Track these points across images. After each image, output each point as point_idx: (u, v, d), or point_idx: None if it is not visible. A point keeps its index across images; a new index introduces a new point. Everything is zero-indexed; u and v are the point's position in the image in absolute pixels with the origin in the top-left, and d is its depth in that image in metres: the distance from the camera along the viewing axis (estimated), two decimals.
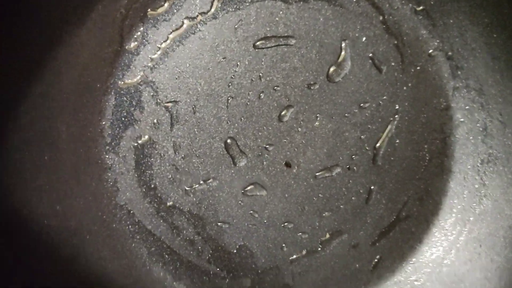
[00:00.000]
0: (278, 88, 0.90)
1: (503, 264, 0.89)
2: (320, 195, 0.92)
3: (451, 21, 0.94)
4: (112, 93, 0.89)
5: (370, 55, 0.92)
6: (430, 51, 0.95)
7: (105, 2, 0.86)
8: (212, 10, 0.90)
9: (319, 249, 0.93)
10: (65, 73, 0.84)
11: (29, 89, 0.81)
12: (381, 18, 0.92)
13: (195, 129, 0.90)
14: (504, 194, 0.93)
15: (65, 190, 0.84)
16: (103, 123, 0.88)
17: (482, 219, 0.93)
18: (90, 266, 0.84)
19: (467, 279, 0.91)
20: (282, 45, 0.90)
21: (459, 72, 0.96)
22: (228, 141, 0.90)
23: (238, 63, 0.89)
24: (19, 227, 0.79)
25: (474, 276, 0.91)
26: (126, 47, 0.89)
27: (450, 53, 0.95)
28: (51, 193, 0.83)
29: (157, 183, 0.89)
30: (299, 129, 0.91)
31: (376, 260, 0.95)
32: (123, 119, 0.89)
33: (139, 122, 0.89)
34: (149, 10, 0.89)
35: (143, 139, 0.89)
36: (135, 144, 0.89)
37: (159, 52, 0.89)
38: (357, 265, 0.94)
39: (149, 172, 0.89)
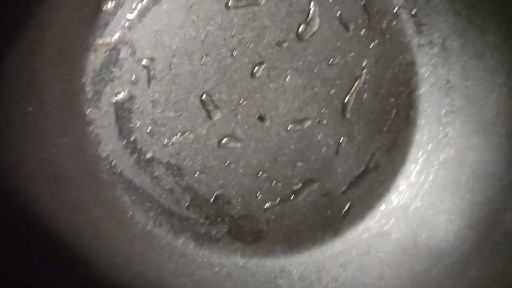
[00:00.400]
0: (250, 46, 0.95)
1: (465, 207, 0.94)
2: (292, 146, 0.97)
3: None
4: (92, 51, 0.93)
5: (338, 14, 0.96)
6: (395, 9, 0.99)
7: None
8: None
9: (292, 197, 0.98)
10: (47, 29, 0.87)
11: (15, 43, 0.85)
12: None
13: (172, 85, 0.94)
14: (466, 142, 0.97)
15: (50, 141, 0.88)
16: (84, 79, 0.93)
17: (446, 167, 0.97)
18: (75, 210, 0.88)
19: (431, 221, 0.95)
20: (252, 4, 0.94)
21: (422, 29, 0.99)
22: (203, 96, 0.95)
23: (211, 22, 0.94)
24: (5, 172, 0.84)
25: (438, 219, 0.95)
26: (104, 8, 0.93)
27: (414, 10, 0.99)
28: (36, 144, 0.87)
29: (136, 136, 0.93)
30: (271, 84, 0.96)
31: (346, 207, 0.98)
32: (102, 75, 0.93)
33: (118, 79, 0.93)
34: None
35: (122, 95, 0.94)
36: (115, 99, 0.93)
37: (135, 12, 0.93)
38: (329, 212, 0.99)
39: (129, 126, 0.93)
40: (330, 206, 0.98)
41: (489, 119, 0.94)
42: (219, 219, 0.96)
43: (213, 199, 0.95)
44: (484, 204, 0.92)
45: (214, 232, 0.96)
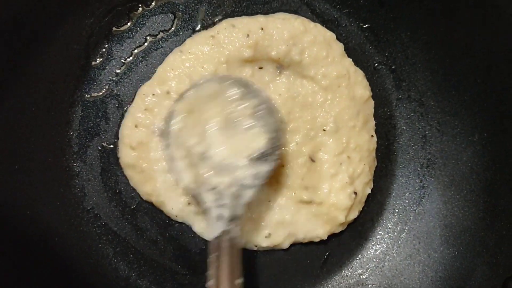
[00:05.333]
0: None
1: (439, 260, 0.97)
2: None
3: (394, 38, 1.02)
4: (79, 105, 0.94)
5: None
6: (376, 64, 1.03)
7: (72, 20, 0.90)
8: (173, 28, 0.96)
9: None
10: (34, 87, 0.88)
11: (1, 100, 0.85)
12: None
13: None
14: (441, 195, 1.00)
15: (34, 196, 0.88)
16: (71, 133, 0.93)
17: (421, 218, 1.01)
18: (59, 266, 0.88)
19: (406, 272, 0.99)
20: None
21: (402, 84, 1.03)
22: None
23: None
24: None
25: (413, 270, 0.98)
26: (92, 63, 0.95)
27: (393, 67, 1.03)
28: (21, 199, 0.87)
29: (121, 188, 0.94)
30: None
31: (325, 256, 1.01)
32: (89, 129, 0.94)
33: (105, 132, 0.94)
34: (113, 28, 0.95)
35: (108, 148, 0.95)
36: (101, 152, 0.95)
37: (123, 67, 0.95)
38: (308, 261, 1.01)
39: (114, 178, 0.94)
40: (310, 255, 1.00)
41: (463, 175, 0.98)
42: (202, 270, 0.96)
43: (198, 251, 0.96)
44: (457, 257, 0.95)
45: (197, 283, 0.97)
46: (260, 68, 0.95)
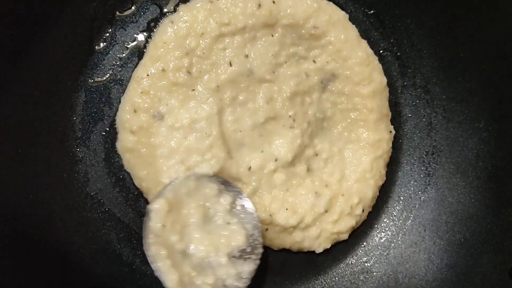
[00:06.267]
0: None
1: (445, 247, 0.96)
2: None
3: (400, 24, 1.01)
4: (83, 90, 0.93)
5: None
6: (381, 51, 1.02)
7: (75, 5, 0.90)
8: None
9: None
10: (38, 71, 0.88)
11: (5, 85, 0.85)
12: None
13: None
14: (447, 183, 1.00)
15: (38, 181, 0.87)
16: (74, 118, 0.93)
17: (427, 206, 1.00)
18: (62, 251, 0.88)
19: (412, 260, 0.98)
20: None
21: (407, 71, 1.03)
22: None
23: None
24: None
25: (419, 258, 0.98)
26: (96, 47, 0.94)
27: (398, 54, 1.02)
28: (25, 184, 0.86)
29: (125, 174, 0.93)
30: None
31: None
32: (93, 114, 0.93)
33: (108, 118, 0.94)
34: (117, 12, 0.94)
35: (112, 133, 0.94)
36: (105, 138, 0.94)
37: (127, 52, 0.95)
38: None
39: (118, 164, 0.93)
40: None
41: (469, 162, 0.98)
42: None
43: None
44: (462, 245, 0.95)
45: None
46: (272, 35, 0.92)
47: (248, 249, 0.83)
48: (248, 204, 0.86)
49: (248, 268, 0.83)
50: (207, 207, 0.84)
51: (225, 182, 0.86)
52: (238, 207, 0.86)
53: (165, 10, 0.93)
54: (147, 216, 0.80)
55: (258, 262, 0.84)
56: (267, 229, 0.93)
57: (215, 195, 0.84)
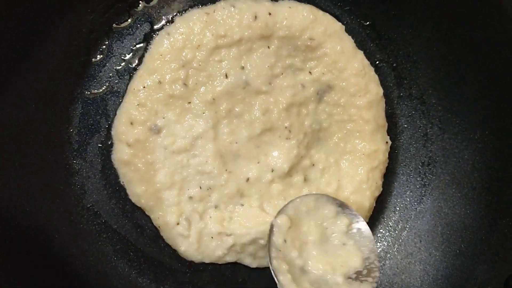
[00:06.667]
0: None
1: (441, 258, 0.96)
2: None
3: (396, 35, 1.01)
4: (79, 102, 0.93)
5: None
6: (377, 62, 1.03)
7: (72, 17, 0.89)
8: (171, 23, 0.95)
9: None
10: (34, 83, 0.87)
11: (1, 96, 0.84)
12: None
13: None
14: (442, 194, 1.00)
15: (33, 193, 0.87)
16: (71, 130, 0.93)
17: (422, 217, 1.01)
18: (58, 263, 0.88)
19: (407, 271, 0.98)
20: None
21: (403, 82, 1.03)
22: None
23: None
24: None
25: (414, 269, 0.98)
26: (92, 59, 0.94)
27: (394, 65, 1.03)
28: (20, 196, 0.86)
29: (121, 186, 0.93)
30: None
31: None
32: (89, 126, 0.93)
33: (105, 130, 0.93)
34: (114, 24, 0.94)
35: (109, 145, 0.94)
36: (101, 150, 0.94)
37: (123, 64, 0.95)
38: None
39: (114, 176, 0.93)
40: None
41: (464, 173, 0.98)
42: (202, 267, 0.97)
43: None
44: (458, 256, 0.95)
45: (197, 280, 0.97)
46: (269, 47, 0.92)
47: (364, 272, 0.84)
48: (364, 227, 0.88)
49: None
50: (325, 226, 0.86)
51: (342, 204, 0.89)
52: (354, 230, 0.87)
53: (155, 27, 0.93)
54: (270, 231, 0.83)
55: (375, 285, 0.84)
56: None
57: (333, 216, 0.87)
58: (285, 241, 0.83)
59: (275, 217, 0.85)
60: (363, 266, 0.84)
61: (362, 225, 0.88)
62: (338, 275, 0.83)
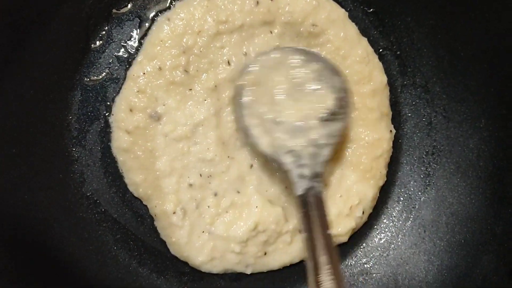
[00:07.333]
0: None
1: (445, 248, 0.96)
2: None
3: (399, 22, 1.00)
4: (79, 89, 0.92)
5: None
6: (380, 50, 1.01)
7: (71, 3, 0.88)
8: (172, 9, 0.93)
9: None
10: (33, 70, 0.87)
11: (0, 83, 0.84)
12: None
13: None
14: (447, 183, 0.99)
15: (33, 181, 0.86)
16: (70, 117, 0.92)
17: (427, 207, 1.00)
18: (58, 252, 0.87)
19: (411, 261, 0.98)
20: None
21: (407, 70, 1.02)
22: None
23: None
24: None
25: (419, 259, 0.97)
26: (92, 46, 0.93)
27: (398, 52, 1.01)
28: (20, 184, 0.85)
29: (121, 174, 0.92)
30: None
31: None
32: (89, 114, 0.92)
33: (104, 117, 0.92)
34: (113, 10, 0.93)
35: (108, 133, 0.92)
36: (101, 137, 0.92)
37: (123, 50, 0.93)
38: None
39: (114, 164, 0.92)
40: None
41: (469, 162, 0.97)
42: None
43: None
44: (463, 246, 0.94)
45: (197, 271, 0.95)
46: (271, 32, 0.92)
47: (338, 111, 0.86)
48: (332, 68, 0.88)
49: (338, 126, 0.86)
50: (294, 76, 0.86)
51: (308, 52, 0.89)
52: (325, 73, 0.87)
53: (155, 12, 0.92)
54: (236, 93, 0.85)
55: (347, 119, 0.88)
56: (265, 253, 0.93)
57: (301, 65, 0.86)
58: (253, 99, 0.84)
59: (239, 77, 0.86)
60: (336, 105, 0.86)
61: (330, 66, 0.88)
62: (312, 119, 0.84)
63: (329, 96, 0.86)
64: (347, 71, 0.94)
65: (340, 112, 0.86)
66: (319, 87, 0.86)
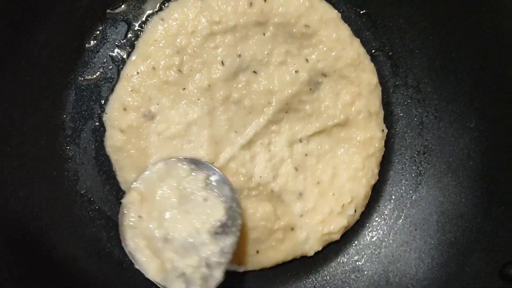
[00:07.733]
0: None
1: (436, 246, 0.96)
2: None
3: (392, 24, 1.01)
4: (73, 88, 0.93)
5: None
6: (373, 51, 1.02)
7: (65, 2, 0.89)
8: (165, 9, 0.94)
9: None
10: (27, 69, 0.87)
11: None
12: None
13: None
14: (438, 182, 1.00)
15: (27, 179, 0.87)
16: (64, 116, 0.92)
17: (418, 205, 1.00)
18: (52, 249, 0.87)
19: (403, 259, 0.98)
20: None
21: (399, 70, 1.03)
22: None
23: None
24: None
25: (410, 257, 0.98)
26: (86, 45, 0.93)
27: (390, 53, 1.02)
28: (14, 181, 0.86)
29: (115, 172, 0.93)
30: None
31: None
32: (83, 113, 0.92)
33: (98, 116, 0.93)
34: (108, 9, 0.94)
35: (102, 131, 0.93)
36: (95, 136, 0.93)
37: (117, 50, 0.94)
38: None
39: (108, 162, 0.93)
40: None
41: (460, 161, 0.98)
42: None
43: None
44: (453, 244, 0.95)
45: None
46: (264, 34, 0.92)
47: (229, 222, 0.83)
48: (221, 177, 0.86)
49: (229, 241, 0.83)
50: (182, 187, 0.83)
51: (194, 161, 0.86)
52: (213, 182, 0.85)
53: (149, 12, 0.92)
54: (121, 214, 0.81)
55: (238, 233, 0.84)
56: (258, 252, 0.93)
57: (187, 175, 0.84)
58: (140, 216, 0.81)
59: (124, 196, 0.83)
60: (227, 216, 0.83)
61: (218, 176, 0.86)
62: (203, 234, 0.81)
63: (219, 206, 0.83)
64: (339, 71, 0.95)
65: (231, 225, 0.83)
66: (210, 197, 0.83)
